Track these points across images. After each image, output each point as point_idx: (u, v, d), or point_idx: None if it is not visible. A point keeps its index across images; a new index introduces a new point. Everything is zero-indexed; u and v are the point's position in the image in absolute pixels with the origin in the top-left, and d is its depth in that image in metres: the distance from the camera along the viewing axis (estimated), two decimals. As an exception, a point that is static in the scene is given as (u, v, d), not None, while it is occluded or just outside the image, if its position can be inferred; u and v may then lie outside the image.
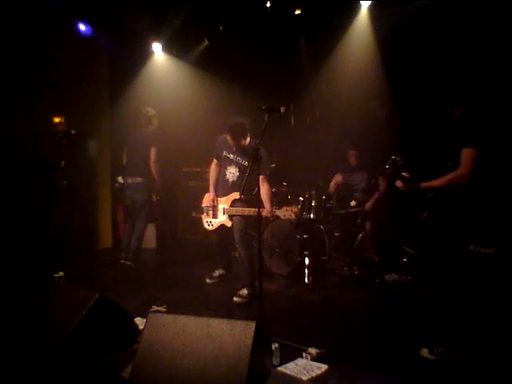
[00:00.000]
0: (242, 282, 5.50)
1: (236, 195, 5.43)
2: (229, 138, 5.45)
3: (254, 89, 7.53)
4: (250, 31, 7.47)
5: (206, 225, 5.77)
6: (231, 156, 5.58)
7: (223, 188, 5.64)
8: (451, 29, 5.99)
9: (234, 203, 5.48)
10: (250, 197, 5.37)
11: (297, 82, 7.75)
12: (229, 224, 5.50)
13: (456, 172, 3.72)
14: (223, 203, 5.60)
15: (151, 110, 6.95)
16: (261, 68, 8.02)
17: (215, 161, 5.82)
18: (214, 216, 5.67)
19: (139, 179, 6.79)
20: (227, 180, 5.60)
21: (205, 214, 5.77)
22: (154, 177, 6.82)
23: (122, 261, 6.75)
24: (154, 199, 7.00)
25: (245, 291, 5.40)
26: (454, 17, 5.90)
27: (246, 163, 5.46)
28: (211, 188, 5.79)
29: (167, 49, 8.31)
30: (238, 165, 5.54)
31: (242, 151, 5.53)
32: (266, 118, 3.86)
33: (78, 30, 7.79)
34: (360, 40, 6.94)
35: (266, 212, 5.04)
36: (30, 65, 7.42)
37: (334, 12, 6.83)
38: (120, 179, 7.02)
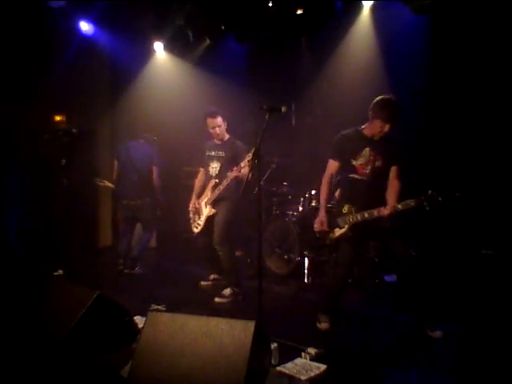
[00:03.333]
0: (225, 282, 5.53)
1: (213, 182, 5.52)
2: (209, 120, 5.50)
3: (255, 88, 7.53)
4: (252, 31, 7.46)
5: (194, 229, 5.73)
6: (212, 153, 5.63)
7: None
8: (453, 30, 5.99)
9: (213, 189, 5.52)
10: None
11: (298, 81, 7.75)
12: (212, 212, 5.49)
13: None
14: (204, 198, 5.65)
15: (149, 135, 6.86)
16: (262, 67, 8.03)
17: (202, 170, 5.86)
18: (199, 216, 5.67)
19: (142, 200, 6.58)
20: (211, 176, 5.63)
21: (192, 221, 5.78)
22: (157, 195, 6.69)
23: (127, 270, 6.57)
24: (159, 213, 6.97)
25: (227, 291, 5.42)
26: (456, 17, 5.90)
27: (223, 154, 5.52)
28: (193, 195, 5.82)
29: (169, 48, 8.31)
30: (218, 158, 5.58)
31: (220, 145, 5.60)
32: (267, 118, 3.86)
33: (80, 29, 7.79)
34: (362, 40, 6.93)
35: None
36: (32, 63, 7.43)
37: (336, 12, 6.81)
38: (107, 183, 6.82)
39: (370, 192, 4.28)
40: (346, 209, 4.36)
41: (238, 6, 7.09)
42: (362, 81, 6.70)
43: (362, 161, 4.29)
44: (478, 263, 5.60)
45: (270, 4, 6.83)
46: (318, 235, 4.57)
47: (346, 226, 4.33)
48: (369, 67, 6.76)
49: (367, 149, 4.28)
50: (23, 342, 3.58)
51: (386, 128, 4.15)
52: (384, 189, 4.31)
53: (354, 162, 4.32)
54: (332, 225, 4.44)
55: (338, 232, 4.40)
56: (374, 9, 6.80)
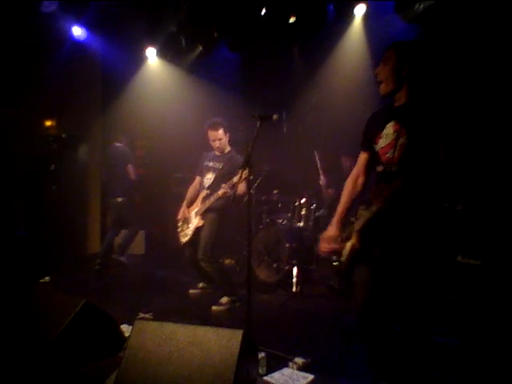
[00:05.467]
0: (222, 292, 5.52)
1: (204, 193, 5.53)
2: (210, 132, 5.48)
3: (247, 95, 7.54)
4: (244, 38, 7.47)
5: (181, 238, 5.71)
6: (210, 164, 5.63)
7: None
8: (445, 37, 6.02)
9: (203, 200, 5.51)
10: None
11: (290, 89, 7.77)
12: (201, 223, 5.47)
13: None
14: (194, 208, 5.63)
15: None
16: (254, 75, 8.04)
17: (198, 178, 5.84)
18: (188, 226, 5.65)
19: (121, 198, 7.11)
20: (204, 187, 5.64)
21: (180, 230, 5.76)
22: (132, 193, 7.31)
23: (115, 256, 7.16)
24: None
25: (225, 299, 5.41)
26: (448, 26, 5.94)
27: (221, 166, 5.51)
28: (184, 203, 5.81)
29: (161, 54, 8.30)
30: (214, 170, 5.57)
31: (219, 157, 5.60)
32: (258, 126, 3.85)
33: (72, 34, 7.77)
34: (354, 49, 6.96)
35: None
36: (23, 68, 7.40)
37: (328, 20, 6.84)
38: None
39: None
40: (360, 213, 2.94)
41: (230, 13, 7.10)
42: (354, 89, 6.72)
43: (384, 142, 2.90)
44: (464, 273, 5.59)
45: (263, 12, 6.85)
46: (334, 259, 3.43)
47: (354, 235, 2.93)
48: (360, 75, 6.77)
49: (391, 123, 2.89)
50: (8, 349, 3.53)
51: (382, 74, 2.93)
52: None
53: (377, 147, 2.96)
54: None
55: (348, 247, 2.96)
56: (365, 18, 6.83)
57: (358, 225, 2.89)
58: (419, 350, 2.83)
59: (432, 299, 2.80)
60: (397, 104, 2.94)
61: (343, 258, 2.99)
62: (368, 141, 3.05)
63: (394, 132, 2.84)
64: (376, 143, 2.94)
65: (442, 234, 2.79)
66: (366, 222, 2.83)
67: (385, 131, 2.90)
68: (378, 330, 2.94)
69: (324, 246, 3.09)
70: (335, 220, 3.13)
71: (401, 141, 2.79)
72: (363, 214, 2.88)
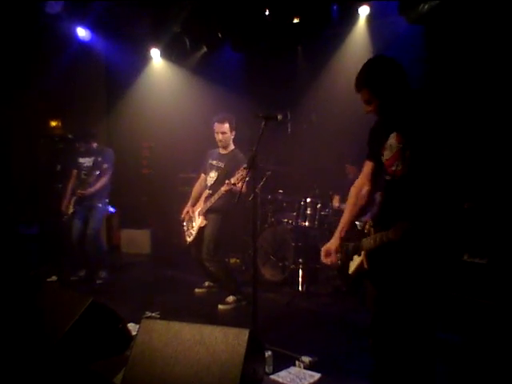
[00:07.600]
0: (227, 292, 5.53)
1: (206, 192, 5.54)
2: (216, 125, 5.50)
3: (251, 95, 7.55)
4: (248, 39, 7.49)
5: (187, 238, 5.72)
6: (214, 162, 5.63)
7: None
8: (449, 38, 6.02)
9: (205, 200, 5.53)
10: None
11: (294, 89, 7.77)
12: (204, 223, 5.49)
13: None
14: (197, 207, 5.65)
15: None
16: (259, 75, 8.05)
17: (202, 176, 5.85)
18: (192, 225, 5.66)
19: None
20: (206, 185, 5.66)
21: (185, 229, 5.77)
22: None
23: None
24: None
25: (230, 298, 5.42)
26: (452, 27, 5.94)
27: (223, 165, 5.52)
28: (189, 202, 5.81)
29: (165, 55, 8.33)
30: (217, 168, 5.58)
31: (222, 156, 5.61)
32: (263, 126, 3.86)
33: (77, 35, 7.80)
34: (358, 49, 6.96)
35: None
36: (28, 69, 7.43)
37: (333, 21, 6.85)
38: None
39: (397, 201, 2.75)
40: (367, 226, 2.90)
41: (234, 14, 7.12)
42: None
43: (389, 154, 2.80)
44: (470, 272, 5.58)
45: (267, 13, 6.87)
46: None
47: (362, 254, 2.87)
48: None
49: (393, 134, 2.78)
50: (16, 348, 3.56)
51: (367, 109, 2.87)
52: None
53: (383, 158, 2.85)
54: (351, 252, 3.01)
55: (356, 261, 2.94)
56: (369, 18, 6.84)
57: (367, 244, 2.83)
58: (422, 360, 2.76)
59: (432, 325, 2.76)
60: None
61: (350, 272, 2.97)
62: (374, 151, 2.94)
63: (398, 144, 2.73)
64: (382, 155, 2.83)
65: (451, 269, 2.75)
66: (375, 247, 2.76)
67: (389, 142, 2.79)
68: (386, 345, 2.87)
69: (325, 259, 3.08)
70: (338, 232, 3.06)
71: (406, 153, 2.69)
72: (372, 234, 2.80)
